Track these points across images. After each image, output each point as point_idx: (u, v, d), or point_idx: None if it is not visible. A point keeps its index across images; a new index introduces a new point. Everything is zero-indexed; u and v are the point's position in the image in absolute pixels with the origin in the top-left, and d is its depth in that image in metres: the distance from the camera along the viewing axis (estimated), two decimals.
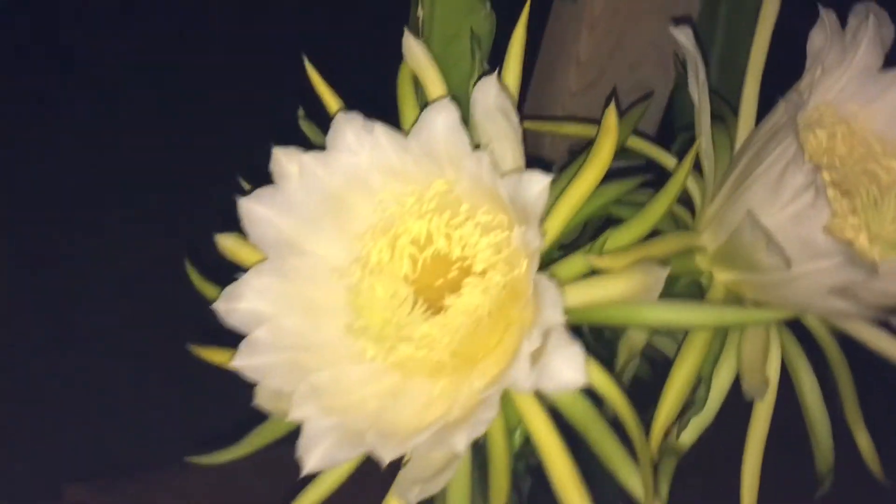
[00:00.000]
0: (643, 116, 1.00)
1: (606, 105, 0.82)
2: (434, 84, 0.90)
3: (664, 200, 0.84)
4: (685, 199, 0.97)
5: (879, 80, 0.90)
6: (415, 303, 0.80)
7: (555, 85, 1.39)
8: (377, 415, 0.80)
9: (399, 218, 0.84)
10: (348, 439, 0.75)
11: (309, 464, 0.74)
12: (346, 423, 0.77)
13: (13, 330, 2.34)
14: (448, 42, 0.98)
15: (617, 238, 0.87)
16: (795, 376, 0.94)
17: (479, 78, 0.96)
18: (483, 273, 0.80)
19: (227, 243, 0.84)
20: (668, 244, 0.90)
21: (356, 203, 0.83)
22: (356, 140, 0.79)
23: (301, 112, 0.98)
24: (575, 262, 0.82)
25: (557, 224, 0.86)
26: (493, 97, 0.77)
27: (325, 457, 0.74)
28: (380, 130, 0.79)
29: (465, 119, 0.93)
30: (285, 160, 0.79)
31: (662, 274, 0.73)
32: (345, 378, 0.83)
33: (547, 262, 0.84)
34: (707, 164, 0.91)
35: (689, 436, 0.91)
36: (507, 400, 0.79)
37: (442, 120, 0.77)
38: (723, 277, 0.93)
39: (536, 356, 0.71)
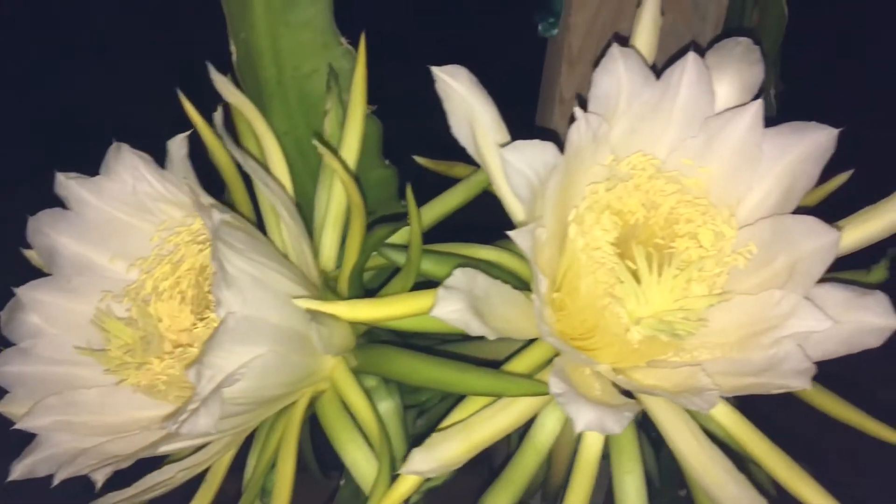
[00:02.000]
0: None
1: None
2: (257, 121, 0.91)
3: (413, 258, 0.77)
4: None
5: (706, 130, 0.75)
6: (157, 332, 0.81)
7: (546, 123, 1.31)
8: (121, 440, 0.81)
9: (179, 246, 0.86)
10: (61, 459, 0.78)
11: (17, 471, 0.78)
12: (74, 442, 0.80)
13: None
14: (306, 78, 0.98)
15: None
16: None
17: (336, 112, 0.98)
18: None
19: (34, 255, 0.91)
20: None
21: (141, 227, 0.86)
22: (123, 168, 0.82)
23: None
24: None
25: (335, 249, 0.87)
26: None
27: (32, 468, 0.78)
28: (139, 161, 0.81)
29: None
30: (66, 184, 0.84)
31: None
32: (118, 400, 0.85)
33: None
34: None
35: None
36: None
37: (177, 151, 0.78)
38: None
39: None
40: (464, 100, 0.76)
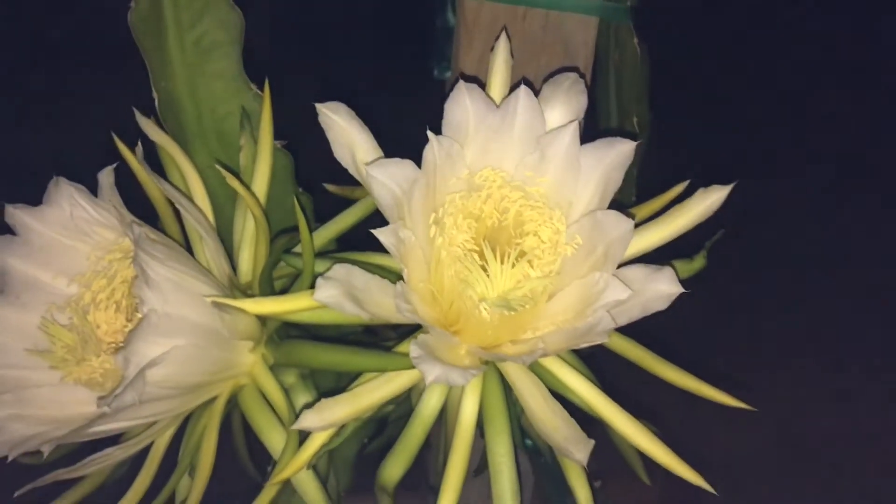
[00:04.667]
0: None
1: None
2: (179, 156, 1.07)
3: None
4: None
5: (539, 146, 0.93)
6: (93, 334, 0.97)
7: None
8: (65, 429, 0.95)
9: (113, 262, 1.01)
10: (14, 442, 0.92)
11: None
12: (26, 430, 0.94)
13: None
14: (223, 119, 1.14)
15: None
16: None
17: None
18: None
19: None
20: None
21: (79, 248, 1.01)
22: (62, 198, 0.98)
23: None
24: None
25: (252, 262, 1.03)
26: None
27: None
28: (75, 191, 0.97)
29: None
30: (13, 213, 0.99)
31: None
32: (66, 397, 1.00)
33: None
34: None
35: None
36: None
37: (105, 180, 0.93)
38: None
39: None
40: (344, 130, 0.93)
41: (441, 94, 1.50)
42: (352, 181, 1.22)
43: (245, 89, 1.13)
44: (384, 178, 0.86)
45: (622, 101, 1.45)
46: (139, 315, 0.94)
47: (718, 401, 1.01)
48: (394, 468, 0.99)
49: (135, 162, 1.02)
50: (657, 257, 1.00)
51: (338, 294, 0.82)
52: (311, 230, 0.97)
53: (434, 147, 0.88)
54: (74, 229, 1.00)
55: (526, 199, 0.95)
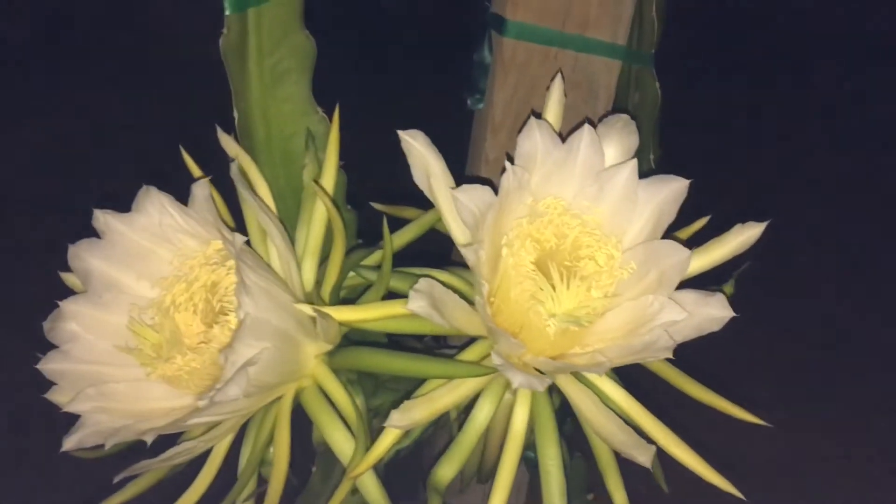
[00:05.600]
0: None
1: None
2: (252, 171, 1.14)
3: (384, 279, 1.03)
4: None
5: (598, 180, 1.03)
6: (178, 334, 1.03)
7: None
8: (146, 422, 1.02)
9: (193, 268, 1.08)
10: (103, 434, 0.98)
11: (68, 443, 0.97)
12: (112, 422, 1.00)
13: None
14: (289, 139, 1.22)
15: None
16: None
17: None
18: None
19: (71, 279, 1.12)
20: None
21: (161, 253, 1.08)
22: (152, 206, 1.05)
23: None
24: None
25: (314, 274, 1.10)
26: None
27: (80, 441, 0.98)
28: (165, 200, 1.04)
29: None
30: (102, 218, 1.06)
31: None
32: (144, 393, 1.06)
33: None
34: None
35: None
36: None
37: (200, 191, 1.01)
38: None
39: None
40: (421, 155, 1.03)
41: (471, 123, 1.62)
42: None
43: (312, 112, 1.21)
44: (467, 200, 0.95)
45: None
46: (225, 318, 1.02)
47: (737, 416, 1.12)
48: (447, 470, 1.08)
49: (202, 176, 1.10)
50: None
51: (427, 305, 0.91)
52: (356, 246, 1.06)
53: (510, 176, 0.98)
54: (160, 236, 1.06)
55: (583, 227, 1.05)
